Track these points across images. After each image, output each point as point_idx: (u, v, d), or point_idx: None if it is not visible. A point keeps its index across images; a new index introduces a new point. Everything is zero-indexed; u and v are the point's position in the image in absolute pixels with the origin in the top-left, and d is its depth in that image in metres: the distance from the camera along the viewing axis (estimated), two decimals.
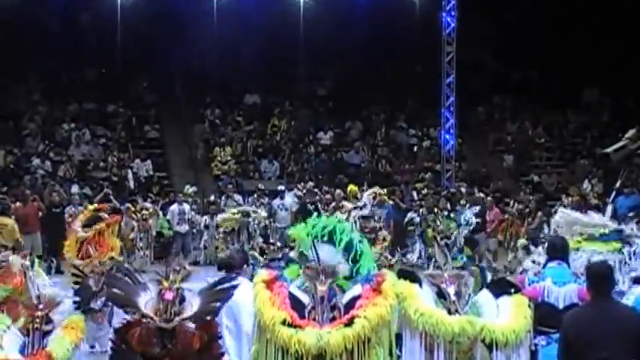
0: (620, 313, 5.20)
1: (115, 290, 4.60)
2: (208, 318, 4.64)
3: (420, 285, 4.97)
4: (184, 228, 16.24)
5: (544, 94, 22.73)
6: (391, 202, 16.37)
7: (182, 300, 4.58)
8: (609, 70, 21.07)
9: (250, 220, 15.44)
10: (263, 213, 15.93)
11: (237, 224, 15.22)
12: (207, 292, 4.72)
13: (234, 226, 15.18)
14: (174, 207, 16.43)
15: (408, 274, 5.02)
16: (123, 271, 4.78)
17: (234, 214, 15.36)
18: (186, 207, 16.46)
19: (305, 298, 4.76)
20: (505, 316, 4.89)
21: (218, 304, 4.67)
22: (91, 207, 11.67)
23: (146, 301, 4.54)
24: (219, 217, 15.52)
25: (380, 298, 4.68)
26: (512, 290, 5.09)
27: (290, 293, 4.77)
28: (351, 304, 4.71)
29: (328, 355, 4.54)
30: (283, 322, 4.61)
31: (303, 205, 17.01)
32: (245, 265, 5.96)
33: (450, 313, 4.85)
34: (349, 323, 4.60)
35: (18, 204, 14.95)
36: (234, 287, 4.80)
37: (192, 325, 4.54)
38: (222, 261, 6.12)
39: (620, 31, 20.86)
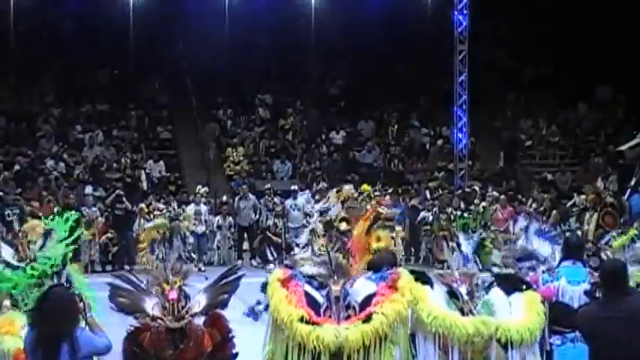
0: (632, 307, 5.16)
1: (120, 299, 4.60)
2: (218, 311, 4.65)
3: (432, 286, 4.91)
4: (201, 229, 16.07)
5: (557, 92, 22.60)
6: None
7: (187, 297, 4.58)
8: (623, 66, 20.91)
9: (180, 224, 15.11)
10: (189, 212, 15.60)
11: (167, 231, 14.75)
12: (213, 288, 4.73)
13: (162, 233, 14.63)
14: (191, 207, 16.39)
15: (418, 276, 4.95)
16: (123, 278, 4.76)
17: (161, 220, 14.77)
18: (203, 207, 16.40)
19: (320, 298, 4.74)
20: (518, 313, 4.84)
21: (226, 295, 4.69)
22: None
23: (152, 305, 4.54)
24: (148, 225, 14.81)
25: (396, 294, 4.66)
26: (524, 287, 5.04)
27: (305, 292, 4.74)
28: (366, 302, 4.68)
29: (346, 351, 4.52)
30: (301, 320, 4.58)
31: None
32: (394, 266, 5.77)
33: (463, 313, 4.81)
34: (367, 319, 4.58)
35: (35, 204, 14.99)
36: (240, 278, 4.79)
37: (201, 325, 4.53)
38: (372, 261, 6.02)
39: (634, 28, 20.70)
